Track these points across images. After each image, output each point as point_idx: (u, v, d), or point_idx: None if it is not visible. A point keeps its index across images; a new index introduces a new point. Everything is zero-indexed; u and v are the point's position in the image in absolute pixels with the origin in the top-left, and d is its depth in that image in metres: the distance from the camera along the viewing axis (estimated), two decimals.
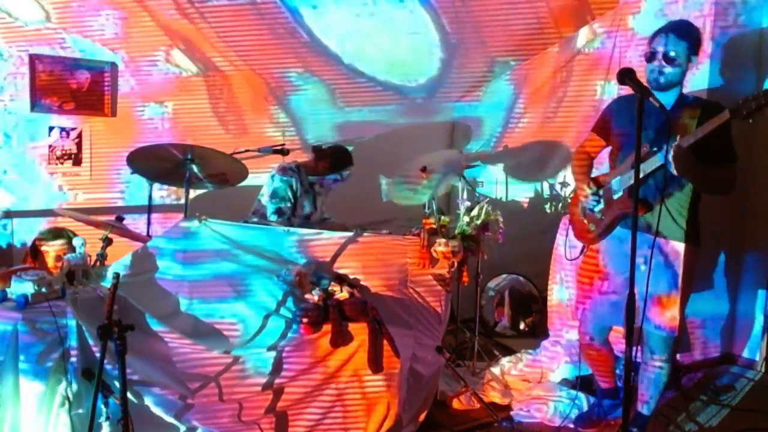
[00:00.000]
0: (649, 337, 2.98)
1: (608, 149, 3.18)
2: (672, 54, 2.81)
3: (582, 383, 3.64)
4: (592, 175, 3.16)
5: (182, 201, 3.48)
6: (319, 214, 4.18)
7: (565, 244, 3.44)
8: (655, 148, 2.78)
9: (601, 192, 3.04)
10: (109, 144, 4.57)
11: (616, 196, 2.98)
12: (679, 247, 2.91)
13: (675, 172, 2.68)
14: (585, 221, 3.13)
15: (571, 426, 3.27)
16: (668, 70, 2.83)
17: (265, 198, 3.98)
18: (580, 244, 3.33)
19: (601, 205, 3.03)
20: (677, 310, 2.90)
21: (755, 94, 2.53)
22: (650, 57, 2.86)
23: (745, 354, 4.22)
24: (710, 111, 2.76)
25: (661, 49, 2.82)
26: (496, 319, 4.74)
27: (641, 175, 2.69)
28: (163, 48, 4.54)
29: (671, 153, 2.64)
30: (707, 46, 3.93)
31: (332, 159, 4.16)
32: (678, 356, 4.01)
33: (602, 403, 3.29)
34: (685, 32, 2.86)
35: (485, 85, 5.23)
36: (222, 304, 3.06)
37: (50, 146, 4.44)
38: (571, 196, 3.36)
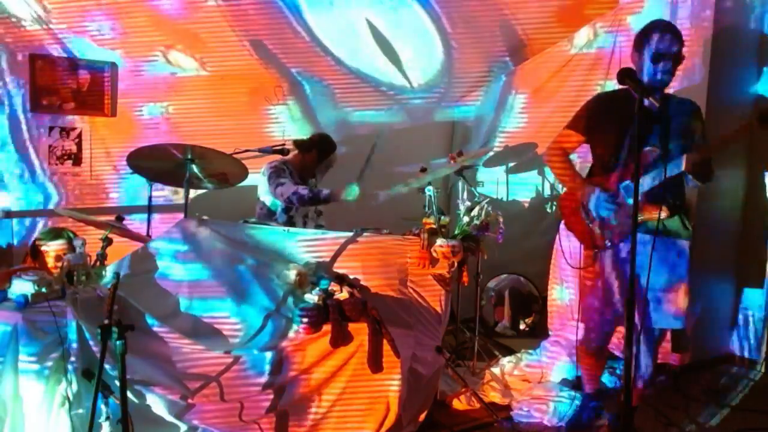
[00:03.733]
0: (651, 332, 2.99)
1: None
2: (676, 52, 2.83)
3: (582, 383, 3.63)
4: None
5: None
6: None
7: (573, 252, 3.26)
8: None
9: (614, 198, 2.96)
10: (109, 144, 4.57)
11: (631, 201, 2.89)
12: (685, 245, 2.96)
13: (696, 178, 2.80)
14: (596, 227, 3.00)
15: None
16: (671, 69, 2.85)
17: (267, 186, 3.98)
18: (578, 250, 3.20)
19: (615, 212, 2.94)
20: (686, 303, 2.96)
21: None
22: (657, 58, 2.82)
23: (745, 354, 4.22)
24: (695, 109, 2.96)
25: (669, 49, 2.82)
26: (496, 319, 4.74)
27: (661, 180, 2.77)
28: (163, 48, 4.54)
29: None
30: (708, 44, 3.94)
31: (318, 148, 4.21)
32: (678, 356, 4.03)
33: (589, 405, 3.25)
34: (677, 32, 2.89)
35: (485, 86, 5.24)
36: (222, 304, 3.06)
37: (50, 146, 4.44)
38: (564, 200, 3.17)
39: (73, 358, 2.55)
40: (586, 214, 3.04)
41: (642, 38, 2.91)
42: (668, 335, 3.85)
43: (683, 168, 2.74)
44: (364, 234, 3.27)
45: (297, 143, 4.28)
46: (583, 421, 3.24)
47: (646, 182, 2.85)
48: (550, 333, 3.94)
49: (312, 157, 4.21)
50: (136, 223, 4.41)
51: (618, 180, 2.96)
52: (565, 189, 3.24)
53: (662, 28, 2.88)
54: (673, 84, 4.02)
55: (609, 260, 2.99)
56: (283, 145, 4.23)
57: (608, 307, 3.00)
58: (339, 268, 3.19)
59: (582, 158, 3.63)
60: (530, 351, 3.95)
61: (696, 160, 2.73)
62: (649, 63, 2.84)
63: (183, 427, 2.75)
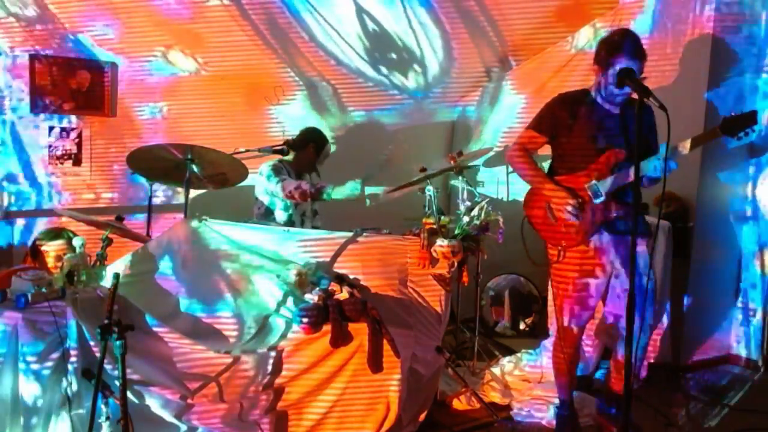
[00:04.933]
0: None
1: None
2: (640, 75, 2.87)
3: (582, 384, 3.64)
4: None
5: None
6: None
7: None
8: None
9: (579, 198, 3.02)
10: (109, 144, 4.57)
11: (598, 201, 2.98)
12: (644, 242, 3.03)
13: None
14: (561, 226, 3.06)
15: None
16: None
17: (267, 185, 3.98)
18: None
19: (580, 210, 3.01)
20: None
21: (743, 113, 2.70)
22: (621, 83, 2.82)
23: (746, 354, 4.22)
24: (652, 116, 3.01)
25: (636, 74, 2.84)
26: (494, 319, 4.74)
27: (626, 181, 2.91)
28: (163, 48, 4.54)
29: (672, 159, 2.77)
30: (708, 45, 3.94)
31: (315, 142, 4.21)
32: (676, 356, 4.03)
33: (565, 415, 3.23)
34: (642, 52, 2.90)
35: (485, 86, 5.24)
36: (222, 304, 3.06)
37: (50, 146, 4.44)
38: (530, 198, 3.23)
39: (73, 358, 2.55)
40: (551, 214, 3.09)
41: (605, 57, 2.90)
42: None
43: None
44: (364, 234, 3.27)
45: (290, 143, 4.21)
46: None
47: (609, 183, 2.94)
48: (550, 333, 3.93)
49: (310, 152, 4.20)
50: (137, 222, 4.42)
51: (585, 180, 3.01)
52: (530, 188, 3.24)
53: (629, 50, 2.87)
54: (673, 86, 4.05)
55: (578, 254, 3.05)
56: (283, 145, 4.23)
57: (586, 294, 3.08)
58: (339, 268, 3.19)
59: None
60: (530, 351, 3.95)
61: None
62: (612, 84, 2.86)
63: (183, 427, 2.75)
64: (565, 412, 3.22)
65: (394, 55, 4.93)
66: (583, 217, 3.00)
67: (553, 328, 3.91)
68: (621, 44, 2.88)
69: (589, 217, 3.01)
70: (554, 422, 3.27)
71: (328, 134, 4.89)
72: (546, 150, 3.20)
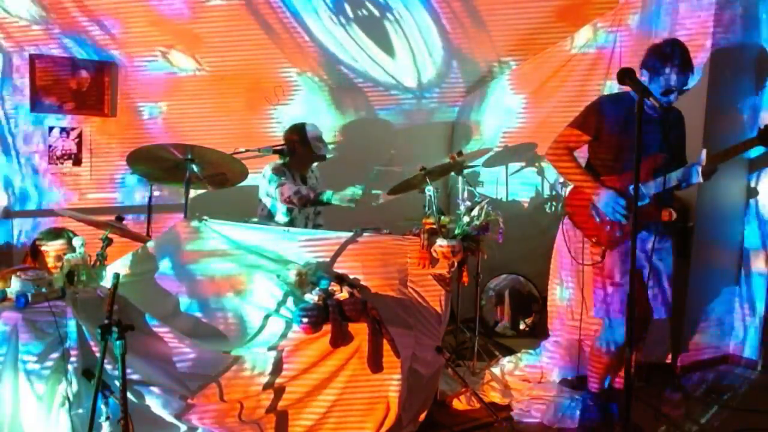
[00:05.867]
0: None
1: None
2: (685, 85, 2.95)
3: (583, 384, 3.64)
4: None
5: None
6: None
7: (583, 249, 3.28)
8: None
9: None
10: (109, 144, 4.57)
11: (642, 203, 2.95)
12: (671, 241, 3.17)
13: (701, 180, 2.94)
14: (606, 226, 3.08)
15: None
16: (677, 97, 2.97)
17: (268, 188, 3.97)
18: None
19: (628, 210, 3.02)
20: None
21: None
22: (667, 92, 2.90)
23: (745, 354, 4.22)
24: (682, 117, 3.16)
25: (680, 84, 2.92)
26: (495, 319, 4.74)
27: (672, 184, 2.97)
28: (163, 48, 4.55)
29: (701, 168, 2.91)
30: (708, 52, 3.94)
31: (297, 137, 4.10)
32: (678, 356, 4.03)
33: (593, 408, 3.25)
34: (691, 63, 2.95)
35: (485, 86, 5.24)
36: (222, 304, 3.06)
37: (50, 146, 4.44)
38: (572, 196, 3.25)
39: (73, 358, 2.55)
40: (596, 212, 3.11)
41: (655, 65, 2.95)
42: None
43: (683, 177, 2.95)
44: (364, 234, 3.27)
45: (282, 151, 4.06)
46: (595, 420, 3.25)
47: (652, 186, 2.96)
48: (550, 333, 3.94)
49: (299, 149, 4.08)
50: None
51: (629, 181, 3.00)
52: (570, 187, 3.29)
53: (679, 61, 2.91)
54: None
55: (626, 256, 3.02)
56: (283, 145, 4.22)
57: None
58: (339, 268, 3.19)
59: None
60: (530, 351, 3.94)
61: (710, 171, 2.93)
62: (657, 92, 2.88)
63: (183, 427, 2.75)
64: (595, 403, 3.24)
65: (392, 54, 4.92)
66: (630, 218, 3.00)
67: (553, 328, 3.92)
68: (673, 55, 2.93)
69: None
70: (555, 422, 3.27)
71: (328, 134, 4.91)
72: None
